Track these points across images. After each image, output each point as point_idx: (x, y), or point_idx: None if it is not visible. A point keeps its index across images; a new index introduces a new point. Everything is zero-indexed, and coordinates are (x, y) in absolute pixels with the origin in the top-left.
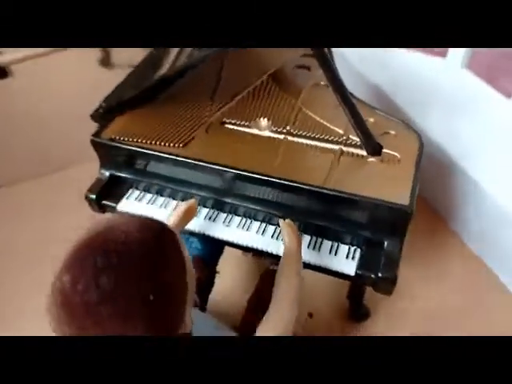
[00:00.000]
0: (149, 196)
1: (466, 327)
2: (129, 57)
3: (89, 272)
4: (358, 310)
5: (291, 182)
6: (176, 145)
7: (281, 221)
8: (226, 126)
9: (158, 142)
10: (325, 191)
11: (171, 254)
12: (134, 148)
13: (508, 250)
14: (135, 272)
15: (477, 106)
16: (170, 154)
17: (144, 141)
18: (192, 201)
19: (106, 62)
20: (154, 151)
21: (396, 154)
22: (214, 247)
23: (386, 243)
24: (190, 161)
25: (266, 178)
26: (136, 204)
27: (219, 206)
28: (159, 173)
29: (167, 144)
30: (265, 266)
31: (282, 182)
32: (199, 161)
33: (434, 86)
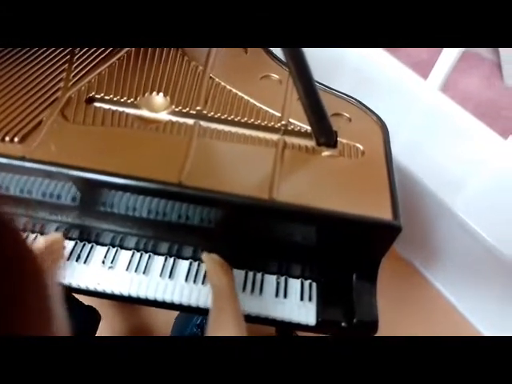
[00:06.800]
0: None
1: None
2: None
3: None
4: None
5: (215, 194)
6: (6, 138)
7: (204, 254)
8: (96, 104)
9: None
10: (275, 208)
11: None
12: None
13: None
14: None
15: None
16: None
17: None
18: (55, 236)
19: None
20: None
21: (357, 144)
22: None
23: (356, 274)
24: (31, 165)
25: (174, 190)
26: None
27: (92, 237)
28: None
29: None
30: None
31: (200, 195)
32: (50, 164)
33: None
